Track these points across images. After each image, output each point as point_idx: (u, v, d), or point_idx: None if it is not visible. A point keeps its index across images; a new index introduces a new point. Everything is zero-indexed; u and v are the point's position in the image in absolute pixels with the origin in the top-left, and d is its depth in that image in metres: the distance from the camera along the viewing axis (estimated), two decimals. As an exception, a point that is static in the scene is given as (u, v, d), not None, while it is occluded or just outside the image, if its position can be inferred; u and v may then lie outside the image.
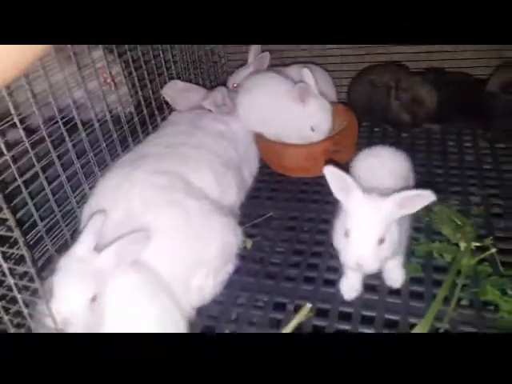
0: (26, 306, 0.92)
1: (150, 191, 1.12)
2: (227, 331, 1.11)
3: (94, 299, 0.89)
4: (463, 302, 1.09)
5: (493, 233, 1.26)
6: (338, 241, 1.01)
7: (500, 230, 1.28)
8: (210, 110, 1.59)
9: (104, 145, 1.43)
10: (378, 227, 0.93)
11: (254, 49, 1.83)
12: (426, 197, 0.93)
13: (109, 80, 1.57)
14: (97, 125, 1.40)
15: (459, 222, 1.27)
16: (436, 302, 1.06)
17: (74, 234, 1.28)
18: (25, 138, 1.09)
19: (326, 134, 1.48)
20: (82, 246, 0.93)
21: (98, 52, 1.47)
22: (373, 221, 0.93)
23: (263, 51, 1.80)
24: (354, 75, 1.90)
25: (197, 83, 1.80)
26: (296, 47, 2.04)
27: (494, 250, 1.16)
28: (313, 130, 1.50)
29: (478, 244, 1.19)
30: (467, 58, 1.88)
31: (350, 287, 1.10)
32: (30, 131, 1.15)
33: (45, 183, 1.20)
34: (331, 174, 0.96)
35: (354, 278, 1.09)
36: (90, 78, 1.40)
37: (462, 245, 1.19)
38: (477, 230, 1.25)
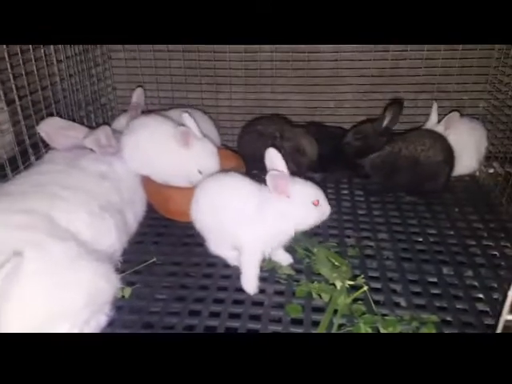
0: None
1: (4, 232, 0.97)
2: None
3: None
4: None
5: (366, 272, 1.33)
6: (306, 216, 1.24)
7: (373, 270, 1.36)
8: (91, 150, 1.50)
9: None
10: None
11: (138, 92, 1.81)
12: None
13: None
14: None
15: (336, 263, 1.33)
16: (314, 343, 1.07)
17: None
18: None
19: (213, 177, 1.47)
20: None
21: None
22: None
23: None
24: (243, 124, 1.98)
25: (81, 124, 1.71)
26: (186, 94, 2.08)
27: (366, 288, 1.22)
28: (200, 172, 1.50)
29: (351, 283, 1.25)
30: (346, 114, 2.09)
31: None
32: None
33: None
34: None
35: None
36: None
37: (338, 284, 1.24)
38: (352, 269, 1.32)
